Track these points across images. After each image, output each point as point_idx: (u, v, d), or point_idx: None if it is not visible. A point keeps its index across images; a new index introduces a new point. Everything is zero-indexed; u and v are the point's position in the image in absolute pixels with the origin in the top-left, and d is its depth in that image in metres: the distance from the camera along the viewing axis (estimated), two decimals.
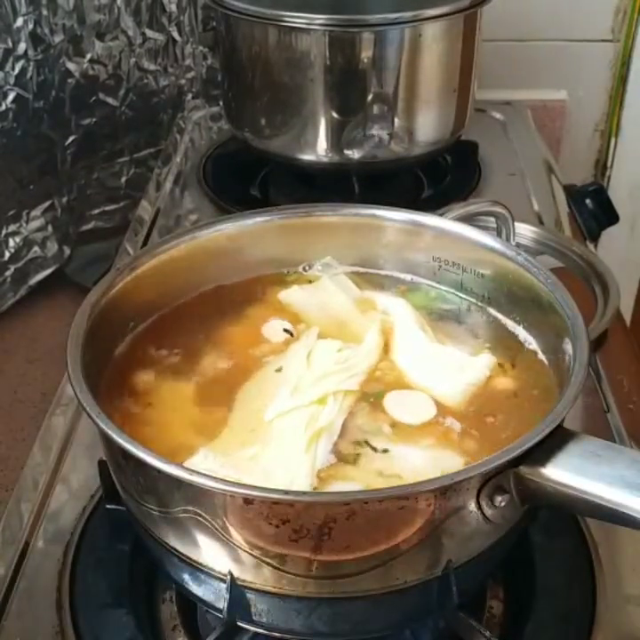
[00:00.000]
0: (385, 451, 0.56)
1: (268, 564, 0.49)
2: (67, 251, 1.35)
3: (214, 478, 0.46)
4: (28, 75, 1.21)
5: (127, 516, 0.58)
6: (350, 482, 0.53)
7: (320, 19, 0.97)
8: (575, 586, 0.62)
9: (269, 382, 0.61)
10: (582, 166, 1.54)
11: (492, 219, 0.77)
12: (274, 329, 0.67)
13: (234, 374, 0.62)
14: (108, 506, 0.66)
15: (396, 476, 0.53)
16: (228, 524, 0.48)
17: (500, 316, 0.67)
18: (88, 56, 1.29)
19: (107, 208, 1.43)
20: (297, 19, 0.98)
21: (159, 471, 0.47)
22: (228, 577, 0.51)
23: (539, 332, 0.64)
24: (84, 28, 1.27)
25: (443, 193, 1.15)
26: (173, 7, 1.35)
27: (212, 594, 0.54)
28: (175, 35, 1.38)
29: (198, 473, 0.47)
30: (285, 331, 0.66)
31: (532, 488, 0.48)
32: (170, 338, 0.65)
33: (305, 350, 0.63)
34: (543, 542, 0.65)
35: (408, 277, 0.71)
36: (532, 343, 0.64)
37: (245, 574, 0.51)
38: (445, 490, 0.47)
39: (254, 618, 0.53)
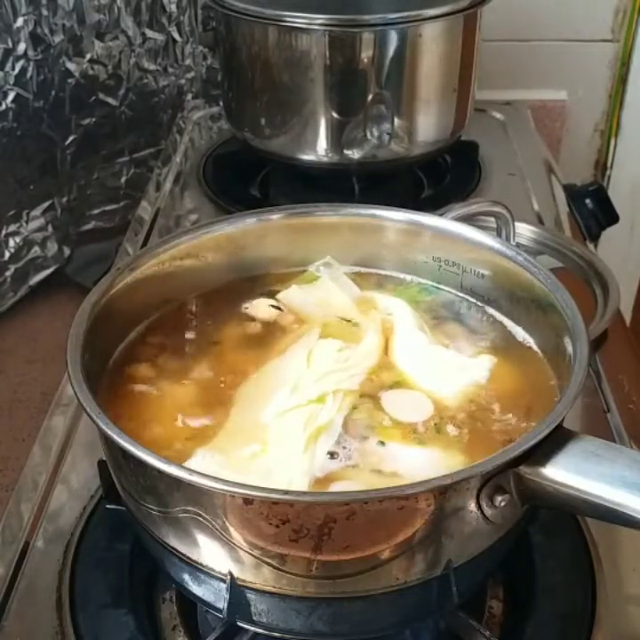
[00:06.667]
0: (384, 450, 0.56)
1: (268, 563, 0.49)
2: (67, 251, 1.35)
3: (214, 478, 0.46)
4: (28, 75, 1.21)
5: (127, 516, 0.58)
6: (350, 481, 0.53)
7: (320, 19, 0.97)
8: (575, 586, 0.62)
9: (269, 382, 0.61)
10: (582, 166, 1.54)
11: (492, 219, 0.77)
12: (258, 308, 0.68)
13: (233, 374, 0.62)
14: (107, 506, 0.66)
15: (395, 476, 0.53)
16: (227, 524, 0.48)
17: (499, 315, 0.67)
18: (88, 56, 1.30)
19: (107, 208, 1.43)
20: (297, 19, 0.98)
21: (159, 471, 0.47)
22: (228, 577, 0.51)
23: (539, 332, 0.64)
24: (84, 27, 1.27)
25: (443, 193, 1.16)
26: (173, 7, 1.36)
27: (212, 594, 0.54)
28: (175, 35, 1.38)
29: (199, 473, 0.46)
30: (272, 306, 0.67)
31: (531, 488, 0.48)
32: (170, 338, 0.65)
33: (305, 350, 0.63)
34: (543, 542, 0.65)
35: (408, 277, 0.71)
36: (531, 343, 0.64)
37: (245, 574, 0.51)
38: (445, 490, 0.47)
39: (254, 618, 0.53)
